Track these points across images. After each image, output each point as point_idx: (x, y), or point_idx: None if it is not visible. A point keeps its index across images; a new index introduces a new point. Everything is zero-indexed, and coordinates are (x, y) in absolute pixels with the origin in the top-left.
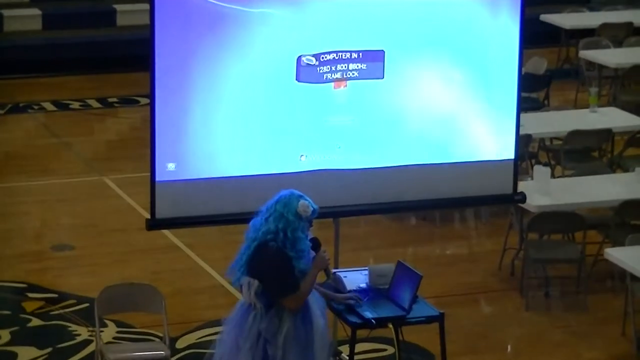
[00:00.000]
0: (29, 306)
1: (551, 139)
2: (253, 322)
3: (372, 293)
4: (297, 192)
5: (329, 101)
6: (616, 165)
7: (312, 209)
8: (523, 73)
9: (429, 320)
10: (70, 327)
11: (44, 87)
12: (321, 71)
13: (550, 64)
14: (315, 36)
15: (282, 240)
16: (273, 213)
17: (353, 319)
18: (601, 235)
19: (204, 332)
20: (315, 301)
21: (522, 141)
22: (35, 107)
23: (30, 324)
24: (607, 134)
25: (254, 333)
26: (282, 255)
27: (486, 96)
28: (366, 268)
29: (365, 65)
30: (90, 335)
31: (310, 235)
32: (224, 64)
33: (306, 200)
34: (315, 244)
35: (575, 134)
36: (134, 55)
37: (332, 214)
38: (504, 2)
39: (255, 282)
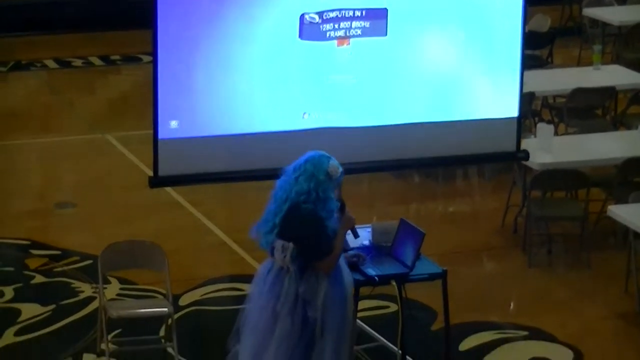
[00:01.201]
0: (33, 263)
1: (554, 96)
2: (289, 285)
3: (375, 251)
4: (325, 153)
5: (331, 59)
6: (619, 123)
7: (340, 170)
8: (526, 31)
9: (431, 277)
10: (73, 284)
11: (46, 45)
12: (324, 29)
13: (553, 21)
14: None
15: (314, 201)
16: (303, 173)
17: (356, 276)
18: (604, 192)
19: (207, 289)
20: (342, 259)
21: (526, 99)
22: (38, 65)
23: (33, 281)
24: (610, 92)
25: (291, 296)
26: (315, 217)
27: (489, 54)
28: (369, 226)
29: (368, 23)
30: (93, 292)
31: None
32: (226, 21)
33: (334, 161)
34: (341, 205)
35: (578, 92)
36: (137, 13)
37: None
38: None
39: (290, 245)
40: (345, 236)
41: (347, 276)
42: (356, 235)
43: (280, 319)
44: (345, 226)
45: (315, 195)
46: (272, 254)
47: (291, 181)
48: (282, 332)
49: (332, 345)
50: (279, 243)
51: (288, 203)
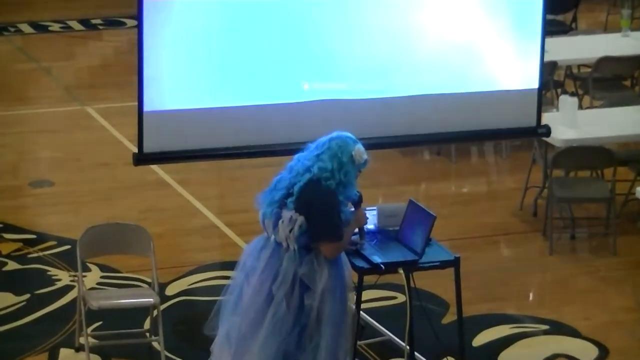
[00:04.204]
0: (5, 248)
1: (579, 66)
2: (288, 264)
3: (380, 235)
4: (352, 135)
5: (334, 21)
6: None
7: (365, 157)
8: None
9: (443, 265)
10: (50, 271)
11: (21, 7)
12: None
13: None
14: None
15: (337, 183)
16: (327, 151)
17: (360, 263)
18: (633, 172)
19: (196, 277)
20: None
21: (547, 68)
22: (12, 29)
23: (6, 268)
24: None
25: (289, 277)
26: (335, 198)
27: (508, 19)
28: (374, 207)
29: None
30: (71, 281)
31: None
32: None
33: (361, 146)
34: (358, 199)
35: (605, 61)
36: None
37: None
38: None
39: (300, 218)
40: (353, 232)
41: (348, 270)
42: (362, 237)
43: (275, 301)
44: (359, 221)
45: (338, 178)
46: (274, 227)
47: (312, 157)
48: (275, 316)
49: (329, 339)
50: (287, 214)
51: (308, 175)
